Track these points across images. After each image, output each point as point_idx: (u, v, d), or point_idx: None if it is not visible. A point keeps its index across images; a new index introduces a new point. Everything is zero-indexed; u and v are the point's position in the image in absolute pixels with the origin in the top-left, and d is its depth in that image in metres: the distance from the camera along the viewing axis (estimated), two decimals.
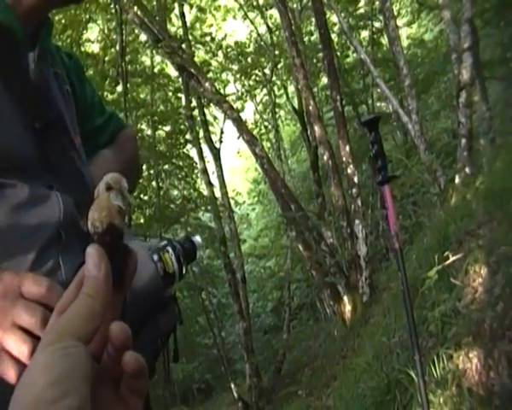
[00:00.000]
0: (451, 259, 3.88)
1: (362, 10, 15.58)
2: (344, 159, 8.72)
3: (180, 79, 13.02)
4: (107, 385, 0.52)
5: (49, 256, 0.96)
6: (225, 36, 15.83)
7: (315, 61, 15.28)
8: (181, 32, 13.66)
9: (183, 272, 1.22)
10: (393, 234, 2.70)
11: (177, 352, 1.29)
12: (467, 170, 6.60)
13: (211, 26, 16.01)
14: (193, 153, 14.35)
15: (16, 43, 1.04)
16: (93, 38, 14.17)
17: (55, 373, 0.44)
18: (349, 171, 8.66)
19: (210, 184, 12.39)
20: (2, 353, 0.74)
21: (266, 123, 17.53)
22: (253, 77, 16.50)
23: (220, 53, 15.63)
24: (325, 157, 9.02)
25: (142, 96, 15.14)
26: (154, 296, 1.16)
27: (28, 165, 0.99)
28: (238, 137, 10.56)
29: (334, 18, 14.66)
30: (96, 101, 1.39)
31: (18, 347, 0.73)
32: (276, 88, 17.05)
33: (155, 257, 1.14)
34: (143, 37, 12.86)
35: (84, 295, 0.51)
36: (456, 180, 6.77)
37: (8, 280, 0.77)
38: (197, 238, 1.29)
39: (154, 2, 12.95)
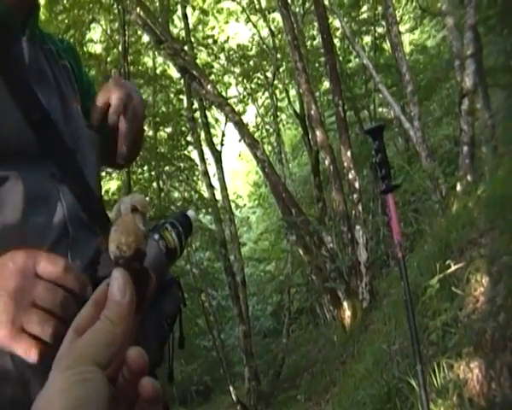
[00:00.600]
0: (453, 268, 3.87)
1: (364, 15, 15.63)
2: (345, 164, 8.73)
3: (182, 81, 13.04)
4: (122, 407, 0.52)
5: (59, 252, 0.95)
6: (228, 38, 15.85)
7: (317, 65, 15.31)
8: (183, 33, 13.69)
9: (183, 245, 1.22)
10: (396, 243, 2.70)
11: (182, 337, 1.29)
12: (468, 178, 6.60)
13: (213, 28, 16.03)
14: (194, 155, 14.36)
15: (10, 32, 1.04)
16: (96, 38, 14.18)
17: (72, 398, 0.43)
18: (350, 176, 8.66)
19: (211, 187, 12.41)
20: (22, 333, 0.73)
21: (268, 126, 17.53)
22: (255, 80, 16.53)
23: (222, 55, 15.65)
24: (326, 162, 9.03)
25: (143, 97, 15.12)
26: (159, 276, 1.17)
27: (28, 153, 0.99)
28: (239, 140, 10.56)
29: (336, 23, 14.68)
30: (92, 94, 1.35)
31: (41, 326, 0.73)
32: (277, 91, 17.06)
33: (156, 236, 1.15)
34: (146, 38, 12.88)
35: (107, 320, 0.50)
36: (458, 188, 6.77)
37: (21, 260, 0.76)
38: (191, 212, 1.30)
39: (157, 4, 12.97)
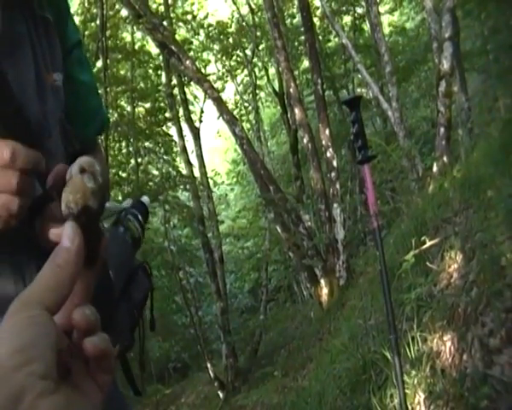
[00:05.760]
0: (428, 243, 3.97)
1: None
2: (323, 142, 8.78)
3: (161, 57, 12.93)
4: (78, 360, 0.53)
5: None
6: (207, 15, 15.72)
7: (296, 44, 15.27)
8: (162, 8, 13.52)
9: (144, 232, 1.28)
10: (372, 213, 2.74)
11: (153, 320, 1.34)
12: (445, 159, 6.71)
13: (192, 4, 15.84)
14: (172, 131, 14.30)
15: None
16: (72, 11, 13.90)
17: (20, 341, 0.44)
18: (328, 154, 8.73)
19: (189, 163, 12.37)
20: None
21: (246, 104, 17.50)
22: (234, 57, 16.46)
23: (202, 32, 15.52)
24: (305, 140, 9.07)
25: (122, 72, 14.98)
26: (129, 267, 1.22)
27: None
28: (218, 117, 10.54)
29: (316, 2, 14.65)
30: (76, 54, 1.24)
31: (5, 208, 0.76)
32: (256, 69, 17.03)
33: (121, 229, 1.20)
34: (124, 12, 12.70)
35: (53, 265, 0.51)
36: (434, 168, 6.87)
37: None
38: (145, 198, 1.36)
39: None
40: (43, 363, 0.44)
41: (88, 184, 0.55)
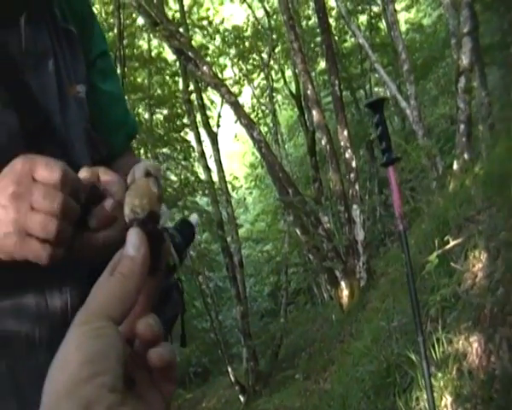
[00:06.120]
0: (452, 243, 3.90)
1: None
2: (342, 143, 8.72)
3: (177, 63, 12.97)
4: (141, 369, 0.52)
5: None
6: (223, 20, 15.76)
7: (312, 45, 15.23)
8: (178, 15, 13.57)
9: (184, 256, 1.22)
10: (398, 215, 2.71)
11: (184, 337, 1.31)
12: (465, 156, 6.62)
13: (208, 9, 15.89)
14: (190, 137, 14.33)
15: (7, 19, 0.95)
16: None
17: (89, 352, 0.44)
18: (347, 155, 8.67)
19: (207, 169, 12.39)
20: (27, 238, 0.74)
21: (263, 107, 17.50)
22: (251, 61, 16.47)
23: (218, 37, 15.56)
24: (323, 142, 9.02)
25: (139, 79, 15.08)
26: (160, 292, 1.17)
27: None
28: (236, 121, 10.53)
29: (332, 2, 14.60)
30: (104, 68, 1.23)
31: (44, 227, 0.73)
32: (273, 72, 17.01)
33: None
34: (141, 20, 12.76)
35: (119, 275, 0.50)
36: (455, 166, 6.78)
37: (19, 166, 0.75)
38: (194, 217, 1.27)
39: None
40: (111, 375, 0.44)
41: (153, 189, 0.54)
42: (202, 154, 12.45)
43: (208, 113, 14.09)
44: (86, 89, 1.11)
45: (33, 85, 0.95)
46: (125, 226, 0.68)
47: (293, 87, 15.15)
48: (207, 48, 15.31)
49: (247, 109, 15.46)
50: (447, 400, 2.82)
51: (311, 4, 12.12)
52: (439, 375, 2.95)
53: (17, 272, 0.84)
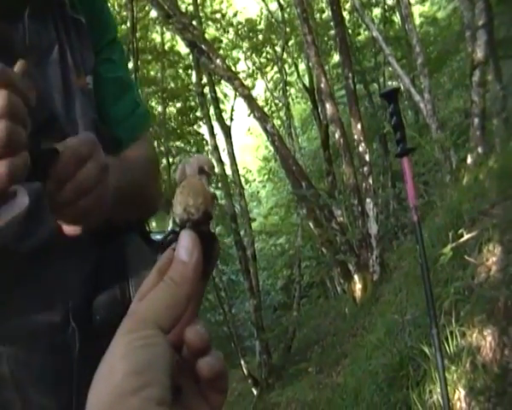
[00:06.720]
0: (466, 237, 3.89)
1: None
2: (355, 137, 8.70)
3: (190, 57, 12.98)
4: (188, 378, 0.49)
5: None
6: (236, 13, 15.75)
7: (326, 38, 15.17)
8: (191, 8, 13.58)
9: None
10: (412, 207, 2.70)
11: None
12: (479, 149, 6.57)
13: (221, 2, 15.89)
14: (203, 130, 14.37)
15: (9, 15, 0.92)
16: None
17: (136, 363, 0.42)
18: (360, 149, 8.64)
19: (221, 162, 12.40)
20: None
21: (277, 101, 17.48)
22: (264, 54, 16.45)
23: (231, 30, 15.55)
24: (336, 135, 8.99)
25: (152, 72, 15.12)
26: None
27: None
28: (249, 115, 10.54)
29: None
30: (110, 56, 1.18)
31: None
32: (286, 65, 16.97)
33: (159, 257, 1.14)
34: (154, 13, 12.80)
35: (170, 281, 0.47)
36: (469, 160, 6.74)
37: None
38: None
39: None
40: (159, 388, 0.41)
41: (208, 188, 0.51)
42: (215, 147, 12.46)
43: (221, 106, 14.11)
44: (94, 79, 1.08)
45: (37, 81, 0.90)
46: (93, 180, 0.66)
47: (306, 80, 15.11)
48: (221, 41, 15.32)
49: (261, 103, 15.44)
50: (460, 393, 2.82)
51: None
52: (453, 368, 2.96)
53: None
